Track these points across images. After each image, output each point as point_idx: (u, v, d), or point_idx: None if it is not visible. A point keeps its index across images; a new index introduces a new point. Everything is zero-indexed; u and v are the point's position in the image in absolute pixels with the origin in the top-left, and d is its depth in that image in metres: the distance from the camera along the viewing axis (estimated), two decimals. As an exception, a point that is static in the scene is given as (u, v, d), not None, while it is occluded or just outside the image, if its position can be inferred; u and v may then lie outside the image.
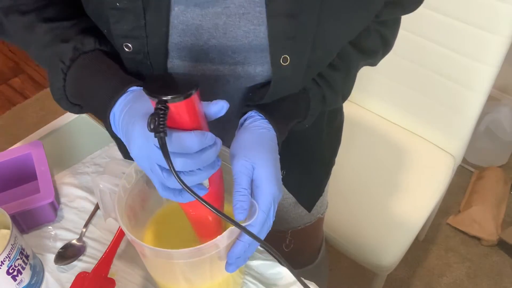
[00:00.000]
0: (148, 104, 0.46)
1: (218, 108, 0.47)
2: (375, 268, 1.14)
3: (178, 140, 0.43)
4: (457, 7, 1.06)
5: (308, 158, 0.80)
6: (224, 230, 0.51)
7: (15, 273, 0.64)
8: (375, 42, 0.67)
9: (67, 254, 0.73)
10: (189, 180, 0.45)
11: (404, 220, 1.16)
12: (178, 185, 0.45)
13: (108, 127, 0.54)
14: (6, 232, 0.66)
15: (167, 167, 0.43)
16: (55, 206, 0.79)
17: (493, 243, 1.62)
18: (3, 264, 0.62)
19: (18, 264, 0.64)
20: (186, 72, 0.56)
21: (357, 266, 1.27)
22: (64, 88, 0.56)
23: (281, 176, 0.54)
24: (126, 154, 0.86)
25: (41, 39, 0.57)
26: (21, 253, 0.65)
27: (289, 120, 0.61)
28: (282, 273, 0.70)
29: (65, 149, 0.90)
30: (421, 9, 1.10)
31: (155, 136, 0.42)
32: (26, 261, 0.66)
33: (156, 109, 0.42)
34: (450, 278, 1.57)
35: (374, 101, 1.37)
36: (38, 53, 0.59)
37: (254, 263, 0.71)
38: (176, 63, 0.55)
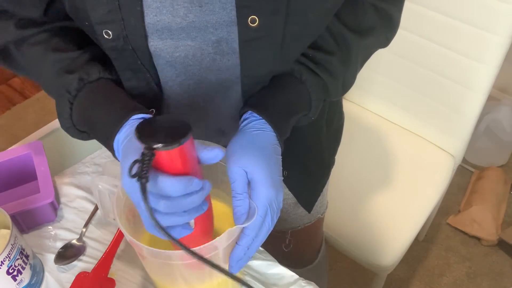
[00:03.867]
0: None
1: (212, 155, 0.48)
2: (375, 268, 1.14)
3: (161, 185, 0.44)
4: (457, 7, 1.06)
5: (307, 158, 0.79)
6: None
7: (15, 273, 0.64)
8: (371, 18, 0.64)
9: (67, 254, 0.73)
10: (173, 221, 0.46)
11: (404, 220, 1.17)
12: (162, 223, 0.46)
13: (113, 153, 0.55)
14: (6, 232, 0.66)
15: (152, 205, 0.45)
16: (55, 206, 0.79)
17: (493, 243, 1.62)
18: (3, 264, 0.62)
19: (18, 264, 0.64)
20: (169, 53, 0.56)
21: (357, 266, 1.27)
22: (71, 117, 0.58)
23: (281, 177, 0.54)
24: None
25: (49, 70, 0.59)
26: (21, 253, 0.65)
27: (289, 116, 0.59)
28: (282, 273, 0.70)
29: (65, 149, 0.90)
30: (421, 9, 1.11)
31: (137, 181, 0.43)
32: (26, 261, 0.66)
33: (142, 154, 0.43)
34: (450, 278, 1.57)
35: (374, 101, 1.37)
36: (47, 83, 0.61)
37: (254, 263, 0.71)
38: (157, 44, 0.55)
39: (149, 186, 0.44)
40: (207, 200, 0.49)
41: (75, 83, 0.57)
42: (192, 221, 0.50)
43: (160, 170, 0.45)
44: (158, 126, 0.46)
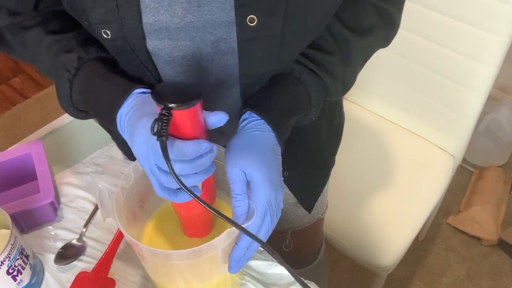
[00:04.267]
0: (153, 109, 0.49)
1: (218, 119, 0.50)
2: (375, 268, 1.14)
3: (177, 148, 0.46)
4: (457, 7, 1.06)
5: (307, 158, 0.79)
6: (212, 231, 0.53)
7: (15, 273, 0.64)
8: (371, 18, 0.64)
9: (67, 254, 0.73)
10: (185, 182, 0.47)
11: (404, 220, 1.17)
12: (174, 186, 0.49)
13: (114, 128, 0.56)
14: (6, 232, 0.66)
15: (165, 168, 0.47)
16: (55, 206, 0.79)
17: (493, 243, 1.62)
18: (3, 264, 0.62)
19: (18, 264, 0.64)
20: (167, 53, 0.56)
21: (357, 266, 1.27)
22: (70, 95, 0.59)
23: (281, 178, 0.54)
24: (127, 154, 0.86)
25: (46, 52, 0.59)
26: (21, 253, 0.65)
27: (289, 116, 0.59)
28: (282, 273, 0.70)
29: (65, 149, 0.90)
30: (421, 9, 1.11)
31: (157, 140, 0.45)
32: (26, 261, 0.66)
33: (160, 114, 0.45)
34: (450, 278, 1.57)
35: (374, 101, 1.37)
36: (44, 65, 0.62)
37: (254, 263, 0.71)
38: (155, 45, 0.55)
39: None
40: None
41: (75, 61, 0.57)
42: (199, 184, 0.52)
43: (173, 133, 0.47)
44: (171, 91, 0.49)
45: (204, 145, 0.47)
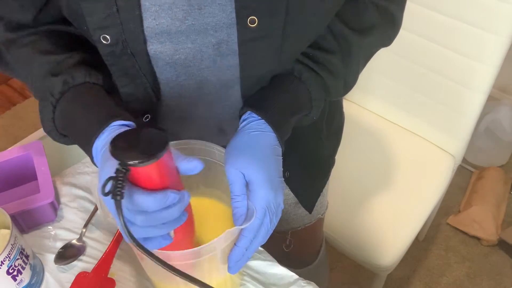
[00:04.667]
0: None
1: (191, 166, 0.47)
2: (375, 268, 1.14)
3: (137, 201, 0.44)
4: (457, 7, 1.06)
5: (307, 158, 0.79)
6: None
7: (15, 273, 0.64)
8: (372, 17, 0.64)
9: (67, 254, 0.73)
10: (151, 233, 0.46)
11: (404, 220, 1.17)
12: (139, 235, 0.46)
13: (92, 160, 0.54)
14: (6, 232, 0.66)
15: (129, 217, 0.45)
16: (55, 206, 0.79)
17: (493, 243, 1.62)
18: (3, 264, 0.62)
19: (18, 264, 0.64)
20: (169, 56, 0.56)
21: (357, 266, 1.27)
22: (53, 120, 0.57)
23: (281, 178, 0.54)
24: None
25: (36, 72, 0.58)
26: (21, 253, 0.65)
27: (290, 115, 0.59)
28: (282, 273, 0.70)
29: (65, 149, 0.89)
30: (421, 9, 1.10)
31: (112, 198, 0.42)
32: (26, 261, 0.66)
33: (116, 171, 0.42)
34: (450, 278, 1.57)
35: (374, 101, 1.37)
36: (33, 85, 0.60)
37: (254, 263, 0.71)
38: (156, 48, 0.55)
39: (124, 202, 0.43)
40: (186, 210, 0.48)
41: (59, 86, 0.56)
42: (171, 231, 0.49)
43: (136, 184, 0.44)
44: (134, 140, 0.45)
45: (171, 195, 0.44)
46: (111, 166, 0.45)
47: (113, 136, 0.48)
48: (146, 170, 0.43)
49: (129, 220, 0.45)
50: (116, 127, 0.52)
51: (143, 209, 0.44)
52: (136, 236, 0.45)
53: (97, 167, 0.53)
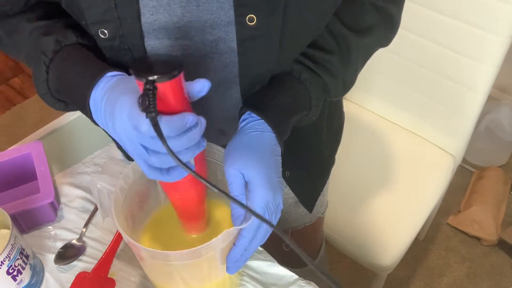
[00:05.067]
0: (131, 86, 0.47)
1: (200, 86, 0.47)
2: (375, 268, 1.14)
3: (164, 123, 0.44)
4: (457, 7, 1.06)
5: (307, 157, 0.79)
6: (207, 216, 0.52)
7: (15, 273, 0.64)
8: (371, 17, 0.64)
9: (67, 254, 0.73)
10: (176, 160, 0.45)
11: (404, 220, 1.17)
12: (164, 164, 0.46)
13: (89, 115, 0.53)
14: (6, 232, 0.66)
15: (153, 147, 0.45)
16: (55, 206, 0.79)
17: (493, 243, 1.62)
18: (3, 264, 0.62)
19: (18, 264, 0.64)
20: (166, 52, 0.55)
21: (357, 266, 1.27)
22: (47, 82, 0.56)
23: (280, 178, 0.54)
24: (126, 155, 0.86)
25: (28, 38, 0.58)
26: (21, 253, 0.65)
27: (289, 116, 0.59)
28: (281, 273, 0.70)
29: (65, 149, 0.90)
30: (421, 9, 1.10)
31: (147, 117, 0.42)
32: (26, 261, 0.66)
33: (145, 89, 0.42)
34: (450, 278, 1.57)
35: (374, 101, 1.37)
36: (26, 53, 0.59)
37: (254, 263, 0.71)
38: (154, 44, 0.55)
39: (147, 130, 0.43)
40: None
41: (52, 44, 0.55)
42: (192, 160, 0.50)
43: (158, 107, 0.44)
44: (150, 64, 0.45)
45: (190, 117, 0.45)
46: (128, 94, 0.45)
47: (109, 86, 0.49)
48: (168, 88, 0.44)
49: (153, 150, 0.45)
50: (110, 78, 0.51)
51: (169, 131, 0.44)
52: (162, 166, 0.46)
53: (95, 123, 0.53)
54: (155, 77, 0.42)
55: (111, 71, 0.52)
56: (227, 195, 0.46)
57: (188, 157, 0.47)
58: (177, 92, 0.45)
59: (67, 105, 0.60)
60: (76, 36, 0.57)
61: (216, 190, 0.44)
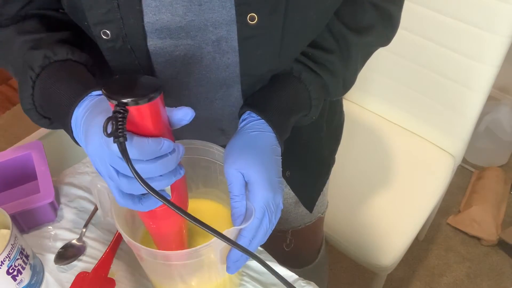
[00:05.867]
0: (108, 106, 0.45)
1: (182, 114, 0.45)
2: (375, 268, 1.14)
3: (136, 145, 0.42)
4: (457, 7, 1.06)
5: (308, 157, 0.79)
6: (186, 243, 0.51)
7: (15, 273, 0.64)
8: (370, 17, 0.64)
9: (67, 254, 0.73)
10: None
11: (404, 220, 1.17)
12: (137, 191, 0.44)
13: (70, 134, 0.52)
14: (6, 232, 0.66)
15: (125, 172, 0.43)
16: (55, 206, 0.79)
17: (493, 243, 1.62)
18: (3, 264, 0.62)
19: (18, 264, 0.64)
20: (168, 52, 0.55)
21: (357, 266, 1.28)
22: (32, 97, 0.55)
23: (280, 178, 0.54)
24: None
25: (16, 51, 0.57)
26: (21, 253, 0.65)
27: (289, 115, 0.59)
28: (281, 273, 0.70)
29: (65, 149, 0.90)
30: (421, 9, 1.10)
31: (114, 142, 0.40)
32: (26, 261, 0.66)
33: (114, 112, 0.40)
34: (450, 278, 1.57)
35: (374, 101, 1.37)
36: (13, 65, 0.58)
37: (253, 263, 0.71)
38: (156, 44, 0.55)
39: (118, 153, 0.40)
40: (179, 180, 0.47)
41: (39, 60, 0.54)
42: (168, 188, 0.48)
43: (130, 129, 0.42)
44: (127, 83, 0.43)
45: (166, 143, 0.43)
46: (104, 114, 0.43)
47: (91, 105, 0.47)
48: (143, 111, 0.41)
49: (123, 174, 0.43)
50: (94, 97, 0.50)
51: (141, 154, 0.42)
52: (133, 193, 0.44)
53: (77, 143, 0.52)
54: (129, 99, 0.39)
55: (97, 89, 0.50)
56: (203, 225, 0.43)
57: (163, 185, 0.45)
58: (153, 117, 0.42)
59: (51, 123, 0.58)
60: (67, 52, 0.55)
61: (192, 221, 0.42)
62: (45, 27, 0.59)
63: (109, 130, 0.39)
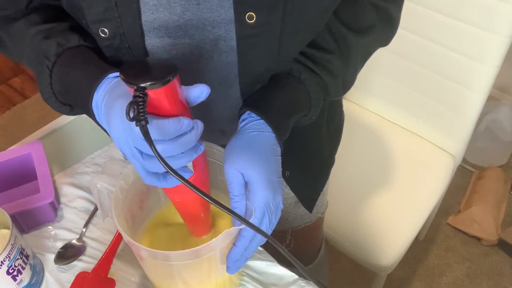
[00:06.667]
0: (127, 89, 0.46)
1: (198, 92, 0.47)
2: (375, 268, 1.14)
3: (156, 126, 0.43)
4: (457, 7, 1.06)
5: (307, 157, 0.79)
6: (212, 214, 0.52)
7: (15, 273, 0.64)
8: (370, 17, 0.64)
9: (67, 254, 0.73)
10: (171, 164, 0.45)
11: (404, 220, 1.17)
12: (161, 169, 0.46)
13: (93, 118, 0.53)
14: (6, 232, 0.66)
15: (148, 151, 0.44)
16: (55, 206, 0.79)
17: (493, 243, 1.62)
18: (3, 264, 0.62)
19: (18, 264, 0.64)
20: (166, 51, 0.55)
21: (357, 266, 1.28)
22: (51, 85, 0.56)
23: (280, 178, 0.54)
24: (126, 154, 0.86)
25: (30, 43, 0.57)
26: (21, 253, 0.65)
27: (289, 115, 0.59)
28: (281, 273, 0.70)
29: (65, 149, 0.90)
30: (421, 9, 1.11)
31: (136, 125, 0.41)
32: (26, 261, 0.66)
33: (134, 96, 0.41)
34: (450, 278, 1.57)
35: (374, 101, 1.37)
36: (29, 58, 0.59)
37: (253, 263, 0.71)
38: (154, 43, 0.55)
39: (141, 134, 0.42)
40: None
41: (54, 48, 0.55)
42: (190, 164, 0.50)
43: (150, 111, 0.44)
44: (143, 68, 0.44)
45: (185, 121, 0.44)
46: (123, 97, 0.45)
47: (109, 88, 0.49)
48: (161, 94, 0.43)
49: (147, 154, 0.45)
50: (111, 79, 0.51)
51: (162, 135, 0.43)
52: (155, 171, 0.46)
53: (100, 126, 0.53)
54: (147, 83, 0.41)
55: (113, 72, 0.52)
56: (222, 206, 0.45)
57: (185, 162, 0.47)
58: (171, 98, 0.44)
59: (72, 109, 0.60)
60: (79, 39, 0.56)
61: (207, 199, 0.44)
62: (53, 16, 0.59)
63: (131, 114, 0.41)
